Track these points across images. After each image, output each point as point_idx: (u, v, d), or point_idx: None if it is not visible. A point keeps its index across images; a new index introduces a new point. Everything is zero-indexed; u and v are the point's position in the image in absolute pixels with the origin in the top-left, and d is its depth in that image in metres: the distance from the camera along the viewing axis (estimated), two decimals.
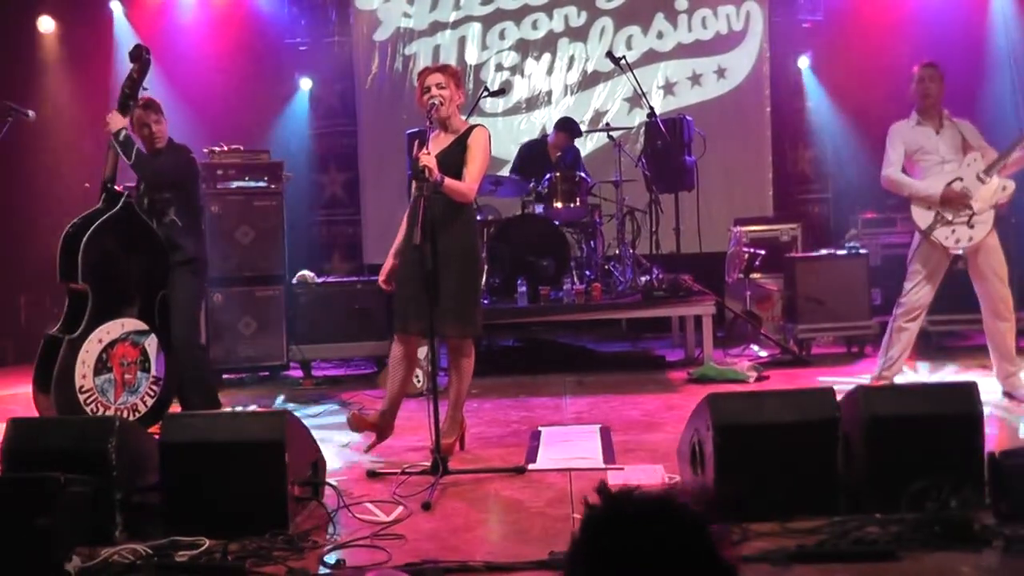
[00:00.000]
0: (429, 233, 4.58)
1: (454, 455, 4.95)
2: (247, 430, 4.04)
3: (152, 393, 5.67)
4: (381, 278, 5.16)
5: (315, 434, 4.40)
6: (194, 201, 6.00)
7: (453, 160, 4.88)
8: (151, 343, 5.67)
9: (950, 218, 5.89)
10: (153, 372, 5.67)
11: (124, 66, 9.50)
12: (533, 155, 8.80)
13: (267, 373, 8.08)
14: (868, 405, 3.90)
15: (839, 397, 4.03)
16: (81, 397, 5.40)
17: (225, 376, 7.96)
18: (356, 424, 5.07)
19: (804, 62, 10.29)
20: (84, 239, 5.45)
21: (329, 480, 4.35)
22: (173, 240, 5.72)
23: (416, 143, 4.94)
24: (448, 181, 4.74)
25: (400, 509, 4.17)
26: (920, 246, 6.06)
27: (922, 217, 5.96)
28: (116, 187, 5.65)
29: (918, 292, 6.07)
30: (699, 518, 1.45)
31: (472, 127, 5.03)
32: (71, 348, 5.41)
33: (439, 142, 4.95)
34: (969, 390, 4.06)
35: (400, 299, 4.97)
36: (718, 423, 3.83)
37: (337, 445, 5.44)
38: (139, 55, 5.74)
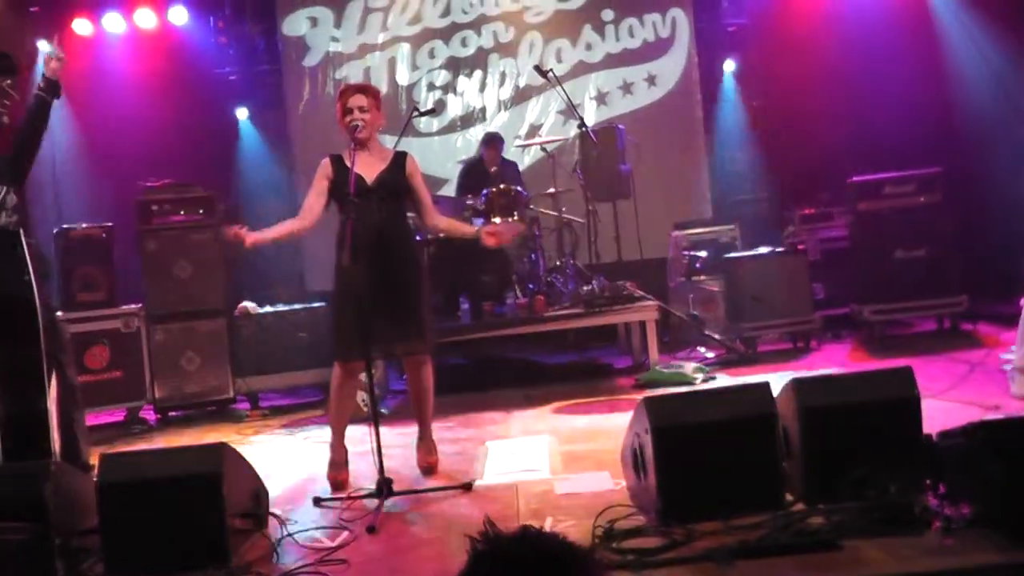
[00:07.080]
0: (360, 254, 4.56)
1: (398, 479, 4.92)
2: (183, 465, 3.97)
3: None
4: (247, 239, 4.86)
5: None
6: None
7: (394, 182, 5.03)
8: None
9: None
10: None
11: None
12: (474, 173, 8.82)
13: (214, 408, 7.97)
14: (801, 397, 3.92)
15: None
16: None
17: (172, 414, 7.86)
18: (341, 484, 5.01)
19: (730, 66, 10.42)
20: (35, 294, 4.76)
21: (273, 510, 4.30)
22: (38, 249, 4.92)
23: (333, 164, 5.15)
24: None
25: (345, 534, 4.13)
26: None
27: None
28: None
29: None
30: (576, 552, 1.59)
31: (402, 154, 5.13)
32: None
33: (367, 163, 4.98)
34: (905, 374, 4.08)
35: (350, 323, 4.81)
36: (656, 425, 3.84)
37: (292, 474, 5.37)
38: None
